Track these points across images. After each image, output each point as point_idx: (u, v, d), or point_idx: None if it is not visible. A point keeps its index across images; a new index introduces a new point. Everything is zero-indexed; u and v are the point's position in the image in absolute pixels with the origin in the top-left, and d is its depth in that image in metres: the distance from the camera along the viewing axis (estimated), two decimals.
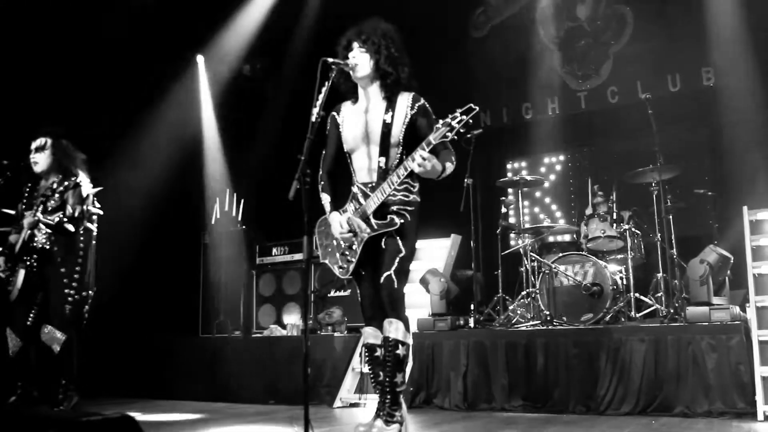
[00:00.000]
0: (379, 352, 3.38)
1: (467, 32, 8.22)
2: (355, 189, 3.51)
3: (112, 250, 5.33)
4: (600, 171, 7.40)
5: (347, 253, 3.43)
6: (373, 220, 3.37)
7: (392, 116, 3.40)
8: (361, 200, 3.43)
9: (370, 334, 3.46)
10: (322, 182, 3.60)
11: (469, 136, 5.96)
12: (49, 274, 4.46)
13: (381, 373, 3.34)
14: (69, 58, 6.80)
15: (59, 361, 4.39)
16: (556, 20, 7.79)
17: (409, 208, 3.41)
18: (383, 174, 3.37)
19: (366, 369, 3.78)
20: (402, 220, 3.37)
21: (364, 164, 3.46)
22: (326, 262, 3.59)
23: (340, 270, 3.46)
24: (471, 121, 3.17)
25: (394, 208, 3.38)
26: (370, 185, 3.42)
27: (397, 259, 3.33)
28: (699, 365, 4.49)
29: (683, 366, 4.55)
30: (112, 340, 6.75)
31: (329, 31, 3.72)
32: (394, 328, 3.29)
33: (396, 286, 3.32)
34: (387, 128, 3.38)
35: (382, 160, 3.39)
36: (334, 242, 3.51)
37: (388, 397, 3.27)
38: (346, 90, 3.54)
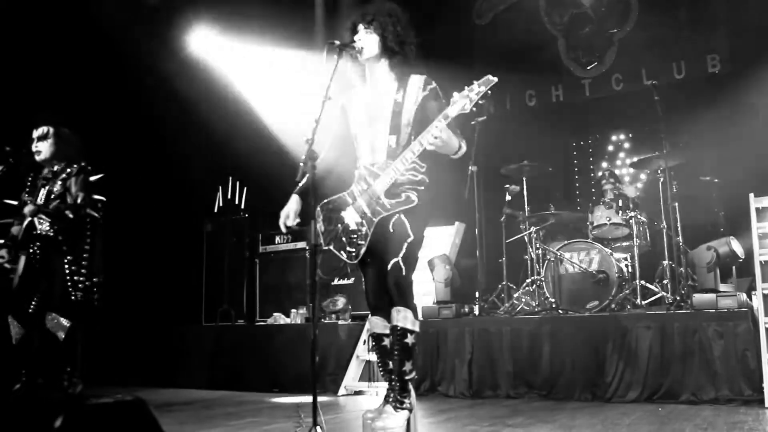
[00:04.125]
0: (386, 342, 3.30)
1: (470, 19, 8.16)
2: (361, 170, 3.40)
3: (114, 239, 5.30)
4: (605, 158, 7.38)
5: (354, 237, 3.29)
6: (385, 200, 3.26)
7: (403, 96, 3.33)
8: (369, 180, 3.32)
9: (378, 324, 3.36)
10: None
11: (473, 123, 5.93)
12: (54, 262, 4.42)
13: (390, 362, 3.27)
14: (68, 44, 6.76)
15: (64, 348, 4.37)
16: (560, 7, 7.74)
17: (419, 188, 3.30)
18: (393, 153, 3.27)
19: (374, 358, 3.69)
20: (414, 200, 3.26)
21: (370, 145, 3.37)
22: (330, 247, 3.38)
23: (348, 254, 3.30)
24: (490, 92, 3.11)
25: (404, 188, 3.27)
26: (377, 165, 3.32)
27: (405, 245, 3.20)
28: (705, 352, 4.48)
29: (689, 353, 4.53)
30: (115, 329, 6.74)
31: (337, 14, 3.67)
32: (402, 317, 3.19)
33: (404, 274, 3.19)
34: (398, 108, 3.31)
35: (393, 138, 3.30)
36: (340, 226, 3.37)
37: (397, 384, 3.22)
38: (352, 73, 3.46)
